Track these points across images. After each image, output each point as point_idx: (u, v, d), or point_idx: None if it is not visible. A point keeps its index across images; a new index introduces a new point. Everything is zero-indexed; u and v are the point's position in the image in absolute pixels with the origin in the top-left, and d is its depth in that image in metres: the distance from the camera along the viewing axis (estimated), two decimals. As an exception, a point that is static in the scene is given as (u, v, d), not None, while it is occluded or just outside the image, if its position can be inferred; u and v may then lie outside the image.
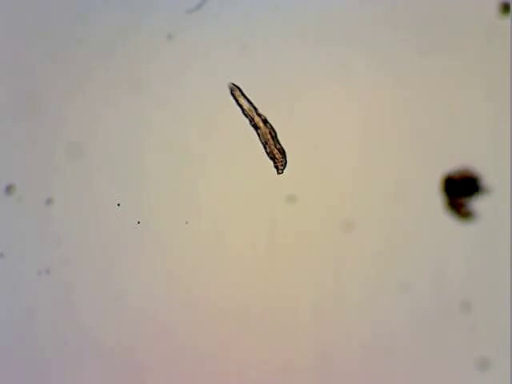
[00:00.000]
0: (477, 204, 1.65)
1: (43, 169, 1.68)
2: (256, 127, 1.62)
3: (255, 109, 1.64)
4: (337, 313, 1.65)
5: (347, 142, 1.67)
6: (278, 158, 1.59)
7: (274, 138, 1.62)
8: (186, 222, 1.67)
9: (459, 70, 1.66)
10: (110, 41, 1.68)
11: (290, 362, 1.65)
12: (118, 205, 1.66)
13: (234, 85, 1.64)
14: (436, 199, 1.66)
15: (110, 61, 1.68)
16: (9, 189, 1.67)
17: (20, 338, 1.66)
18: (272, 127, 1.62)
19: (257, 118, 1.63)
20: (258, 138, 1.65)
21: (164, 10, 1.68)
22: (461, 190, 1.65)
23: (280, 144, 1.60)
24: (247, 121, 1.66)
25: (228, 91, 1.66)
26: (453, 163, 1.65)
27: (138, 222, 1.66)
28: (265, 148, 1.61)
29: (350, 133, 1.67)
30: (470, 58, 1.66)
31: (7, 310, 1.66)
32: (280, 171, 1.62)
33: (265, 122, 1.62)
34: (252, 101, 1.66)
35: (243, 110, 1.62)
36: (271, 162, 1.65)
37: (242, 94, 1.62)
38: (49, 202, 1.67)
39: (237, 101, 1.63)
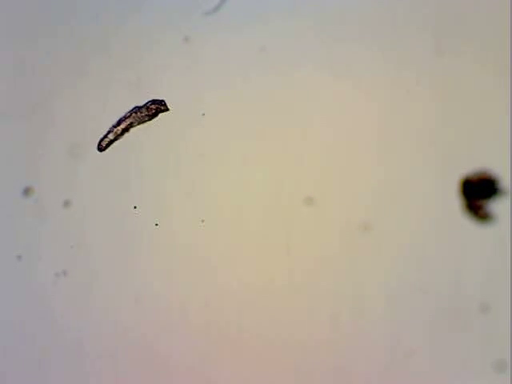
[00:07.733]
0: (495, 206, 1.65)
1: (61, 171, 1.68)
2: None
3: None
4: (354, 314, 1.65)
5: (365, 145, 1.67)
6: None
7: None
8: (202, 221, 1.67)
9: (477, 72, 1.66)
10: (123, 42, 1.68)
11: (307, 357, 1.66)
12: (135, 207, 1.67)
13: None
14: (454, 201, 1.66)
15: (124, 63, 1.68)
16: (26, 191, 1.67)
17: (37, 338, 1.67)
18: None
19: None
20: (272, 140, 1.67)
21: (181, 13, 1.67)
22: (479, 192, 1.64)
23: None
24: (263, 124, 1.67)
25: (245, 95, 1.67)
26: (471, 165, 1.65)
27: (156, 225, 1.66)
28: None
29: (367, 135, 1.67)
30: (488, 59, 1.65)
31: (25, 311, 1.67)
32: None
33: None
34: (268, 102, 1.67)
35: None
36: (290, 165, 1.66)
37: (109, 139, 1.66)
38: (66, 204, 1.67)
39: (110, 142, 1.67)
